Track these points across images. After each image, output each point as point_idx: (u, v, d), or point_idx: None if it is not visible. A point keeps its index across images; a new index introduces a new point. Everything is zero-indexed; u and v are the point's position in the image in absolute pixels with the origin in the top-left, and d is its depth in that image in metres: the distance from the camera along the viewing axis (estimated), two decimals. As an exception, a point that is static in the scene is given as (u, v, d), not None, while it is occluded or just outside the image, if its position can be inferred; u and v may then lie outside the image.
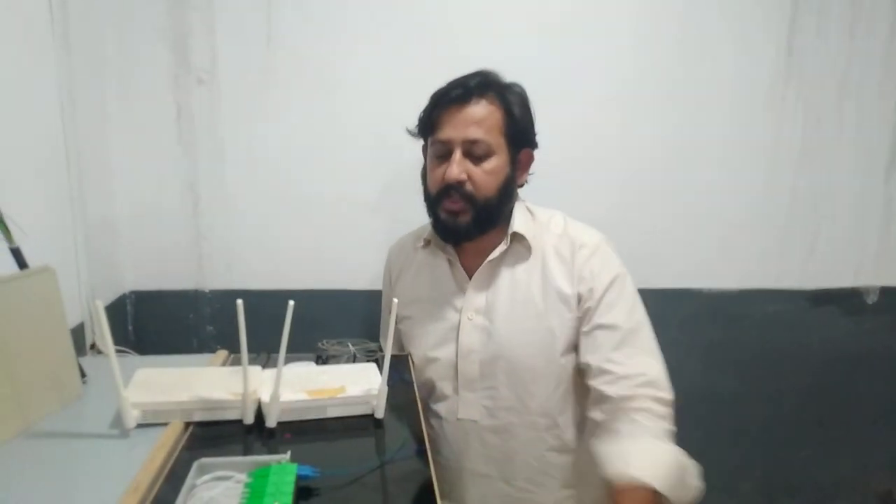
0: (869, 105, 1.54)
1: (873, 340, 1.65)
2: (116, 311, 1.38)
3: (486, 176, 1.02)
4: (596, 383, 1.01)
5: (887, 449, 1.71)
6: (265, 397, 0.84)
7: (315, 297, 1.43)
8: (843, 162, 1.56)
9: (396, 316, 1.07)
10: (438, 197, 1.04)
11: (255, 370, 0.93)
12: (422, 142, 1.11)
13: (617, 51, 1.43)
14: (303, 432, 0.83)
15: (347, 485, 0.72)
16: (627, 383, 0.97)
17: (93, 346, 1.20)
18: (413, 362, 1.12)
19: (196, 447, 0.80)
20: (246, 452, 0.80)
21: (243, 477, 0.70)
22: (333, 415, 0.87)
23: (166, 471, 0.74)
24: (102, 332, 0.77)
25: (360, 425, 0.87)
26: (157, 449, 0.77)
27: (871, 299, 1.63)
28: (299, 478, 0.69)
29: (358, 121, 1.41)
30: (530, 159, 1.10)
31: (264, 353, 1.18)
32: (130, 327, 1.43)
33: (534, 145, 1.09)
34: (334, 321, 1.37)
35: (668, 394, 0.97)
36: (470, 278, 1.09)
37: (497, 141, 1.02)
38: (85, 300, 1.19)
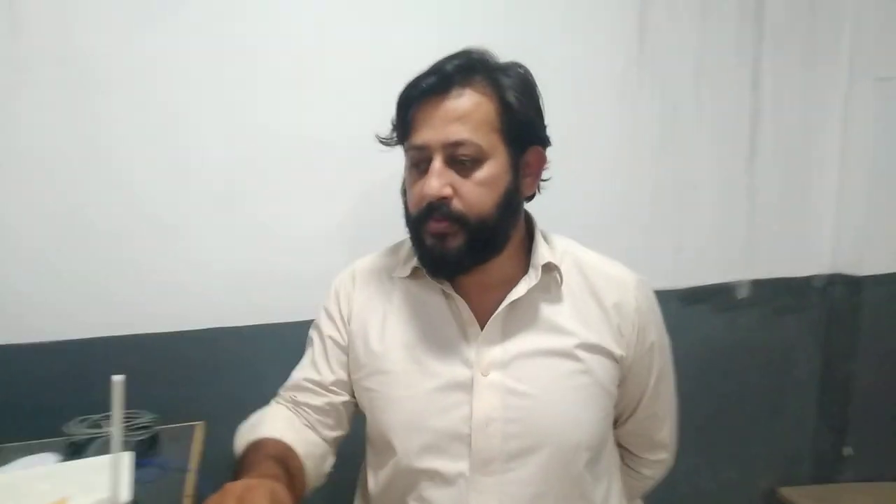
0: (725, 90, 1.46)
1: (747, 335, 1.59)
2: None
3: (477, 188, 0.78)
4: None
5: (769, 446, 1.66)
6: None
7: (95, 349, 1.16)
8: (703, 151, 1.47)
9: (360, 376, 0.86)
10: (420, 218, 0.80)
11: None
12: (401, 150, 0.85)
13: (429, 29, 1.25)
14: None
15: None
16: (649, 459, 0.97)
17: None
18: (371, 441, 0.89)
19: None
20: None
21: None
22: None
23: None
24: None
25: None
26: None
27: (742, 293, 1.56)
28: None
29: (136, 121, 1.16)
30: (541, 161, 0.85)
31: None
32: None
33: (544, 142, 0.85)
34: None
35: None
36: (478, 318, 0.83)
37: (490, 141, 0.78)
38: None
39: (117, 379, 0.60)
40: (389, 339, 0.86)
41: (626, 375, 0.87)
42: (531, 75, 0.84)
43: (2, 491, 0.66)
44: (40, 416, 0.99)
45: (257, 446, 0.78)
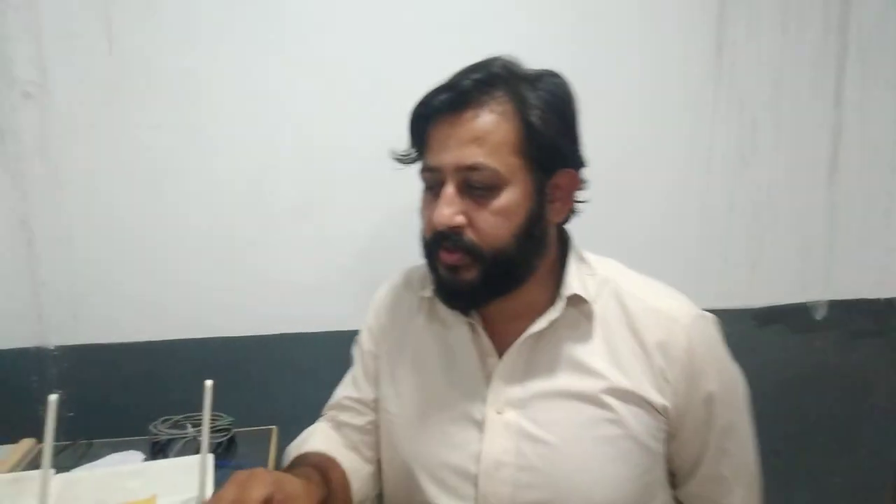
0: (806, 105, 1.41)
1: (824, 358, 1.52)
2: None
3: (493, 218, 0.69)
4: None
5: (845, 475, 1.58)
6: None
7: (176, 351, 1.20)
8: (782, 167, 1.42)
9: (375, 404, 0.83)
10: (432, 246, 0.73)
11: (34, 476, 0.70)
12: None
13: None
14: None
15: None
16: None
17: None
18: (385, 462, 0.84)
19: None
20: None
21: None
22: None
23: None
24: None
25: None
26: None
27: (820, 314, 1.49)
28: None
29: (230, 137, 1.19)
30: (572, 183, 0.75)
31: (84, 441, 0.95)
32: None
33: (576, 163, 0.74)
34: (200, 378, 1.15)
35: None
36: (500, 349, 0.76)
37: (509, 165, 0.68)
38: None
39: (208, 384, 0.62)
40: (409, 363, 0.81)
41: (676, 429, 0.75)
42: (566, 86, 0.74)
43: (95, 487, 0.69)
44: (126, 414, 1.03)
45: (301, 459, 0.77)
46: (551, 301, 0.75)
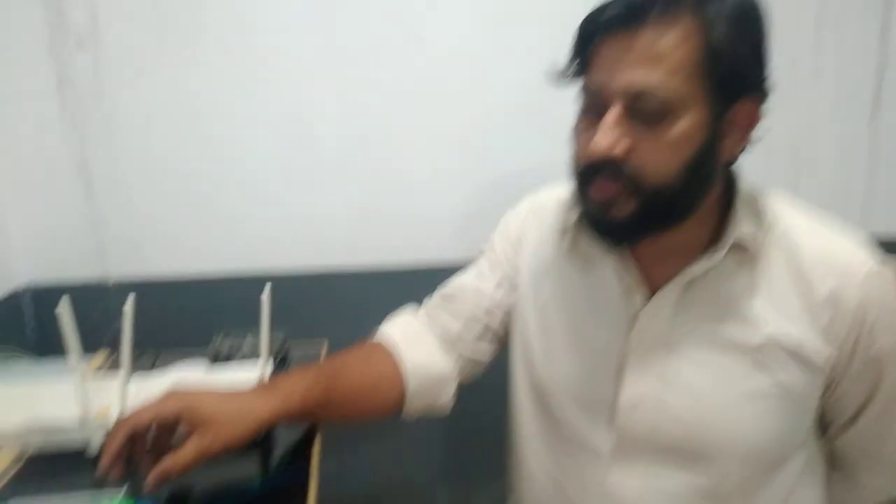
0: (850, 40, 1.37)
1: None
2: (10, 309, 1.22)
3: (661, 148, 0.61)
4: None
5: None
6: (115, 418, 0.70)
7: (230, 285, 1.27)
8: (823, 102, 1.39)
9: (521, 327, 0.81)
10: (583, 176, 0.66)
11: (117, 382, 0.78)
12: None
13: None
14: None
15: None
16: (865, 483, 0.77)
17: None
18: (516, 389, 0.83)
19: (26, 483, 0.65)
20: (87, 487, 0.66)
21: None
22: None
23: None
24: None
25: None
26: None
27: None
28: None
29: (276, 78, 1.22)
30: (752, 118, 0.66)
31: (153, 350, 1.03)
32: (30, 327, 1.27)
33: (761, 93, 0.65)
34: (245, 314, 1.21)
35: None
36: (650, 288, 0.71)
37: (686, 90, 0.60)
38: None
39: (265, 296, 0.68)
40: (554, 291, 0.78)
41: (836, 385, 0.69)
42: (756, 3, 0.64)
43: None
44: (182, 342, 1.11)
45: (330, 360, 0.79)
46: (709, 242, 0.68)
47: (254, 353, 0.91)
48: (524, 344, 0.81)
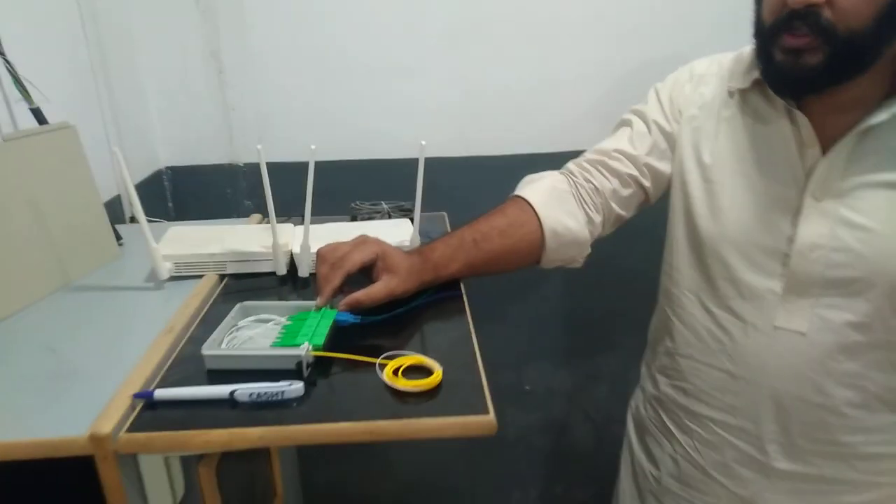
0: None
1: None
2: (154, 186, 1.37)
3: None
4: None
5: None
6: (296, 248, 0.83)
7: (351, 168, 1.38)
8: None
9: (684, 181, 0.86)
10: (774, 29, 0.69)
11: (287, 226, 0.92)
12: None
13: None
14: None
15: (385, 328, 0.71)
16: None
17: (132, 219, 1.21)
18: (674, 249, 0.89)
19: (230, 297, 0.79)
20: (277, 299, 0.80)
21: (283, 320, 0.69)
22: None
23: (201, 315, 0.74)
24: (123, 177, 0.75)
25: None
26: (191, 297, 0.77)
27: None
28: (337, 322, 0.68)
29: None
30: None
31: (298, 216, 1.16)
32: (170, 204, 1.43)
33: None
34: (371, 192, 1.32)
35: None
36: (821, 141, 0.75)
37: None
38: (117, 173, 1.18)
39: (421, 155, 0.76)
40: (720, 151, 0.83)
41: None
42: None
43: (329, 233, 0.87)
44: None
45: (477, 223, 0.84)
46: (883, 96, 0.72)
47: (392, 215, 1.04)
48: (686, 207, 0.87)
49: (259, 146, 0.74)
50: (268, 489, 1.00)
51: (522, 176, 0.96)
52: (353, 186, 1.21)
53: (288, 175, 1.43)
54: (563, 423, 1.68)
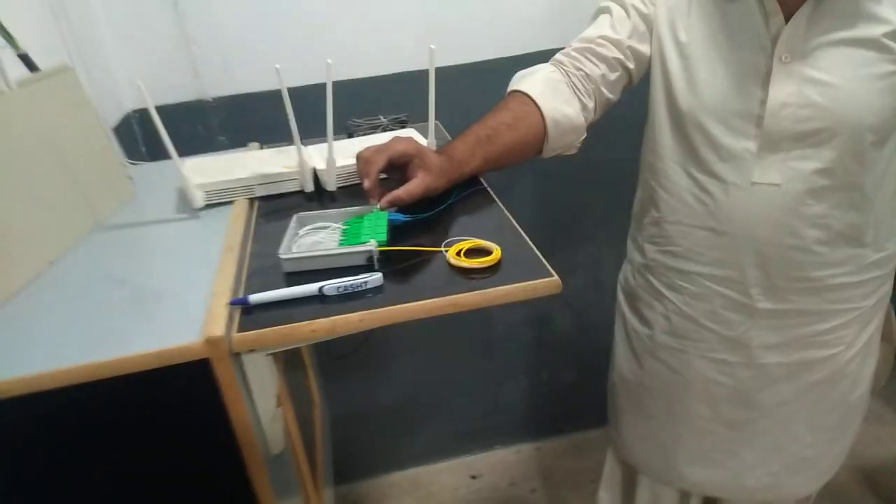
0: None
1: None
2: (124, 132, 1.34)
3: None
4: None
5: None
6: (321, 165, 0.87)
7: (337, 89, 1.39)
8: None
9: (662, 59, 0.93)
10: None
11: (299, 148, 0.94)
12: None
13: None
14: (361, 195, 0.81)
15: (430, 224, 0.77)
16: None
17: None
18: (654, 124, 0.97)
19: (269, 216, 0.83)
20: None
21: (339, 225, 0.74)
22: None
23: (251, 234, 0.78)
24: (150, 111, 0.77)
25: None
26: (233, 220, 0.80)
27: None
28: (390, 221, 0.73)
29: None
30: None
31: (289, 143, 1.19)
32: (143, 148, 1.40)
33: None
34: (362, 111, 1.31)
35: None
36: (784, 10, 0.84)
37: None
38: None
39: (433, 47, 0.80)
40: (694, 28, 0.91)
41: None
42: None
43: (342, 148, 0.92)
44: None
45: (489, 118, 0.90)
46: None
47: (391, 128, 1.08)
48: (665, 83, 0.95)
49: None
50: (308, 397, 1.07)
51: (506, 80, 1.00)
52: (340, 108, 1.23)
53: (254, 107, 1.41)
54: (545, 315, 1.82)
